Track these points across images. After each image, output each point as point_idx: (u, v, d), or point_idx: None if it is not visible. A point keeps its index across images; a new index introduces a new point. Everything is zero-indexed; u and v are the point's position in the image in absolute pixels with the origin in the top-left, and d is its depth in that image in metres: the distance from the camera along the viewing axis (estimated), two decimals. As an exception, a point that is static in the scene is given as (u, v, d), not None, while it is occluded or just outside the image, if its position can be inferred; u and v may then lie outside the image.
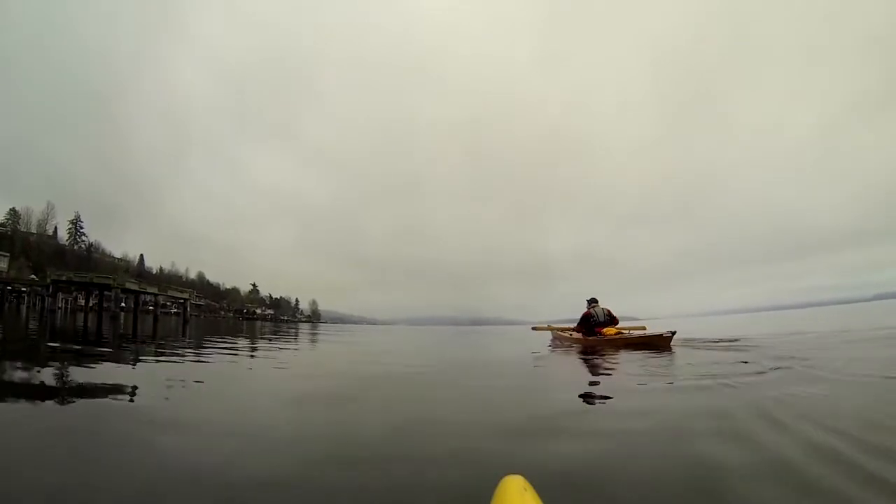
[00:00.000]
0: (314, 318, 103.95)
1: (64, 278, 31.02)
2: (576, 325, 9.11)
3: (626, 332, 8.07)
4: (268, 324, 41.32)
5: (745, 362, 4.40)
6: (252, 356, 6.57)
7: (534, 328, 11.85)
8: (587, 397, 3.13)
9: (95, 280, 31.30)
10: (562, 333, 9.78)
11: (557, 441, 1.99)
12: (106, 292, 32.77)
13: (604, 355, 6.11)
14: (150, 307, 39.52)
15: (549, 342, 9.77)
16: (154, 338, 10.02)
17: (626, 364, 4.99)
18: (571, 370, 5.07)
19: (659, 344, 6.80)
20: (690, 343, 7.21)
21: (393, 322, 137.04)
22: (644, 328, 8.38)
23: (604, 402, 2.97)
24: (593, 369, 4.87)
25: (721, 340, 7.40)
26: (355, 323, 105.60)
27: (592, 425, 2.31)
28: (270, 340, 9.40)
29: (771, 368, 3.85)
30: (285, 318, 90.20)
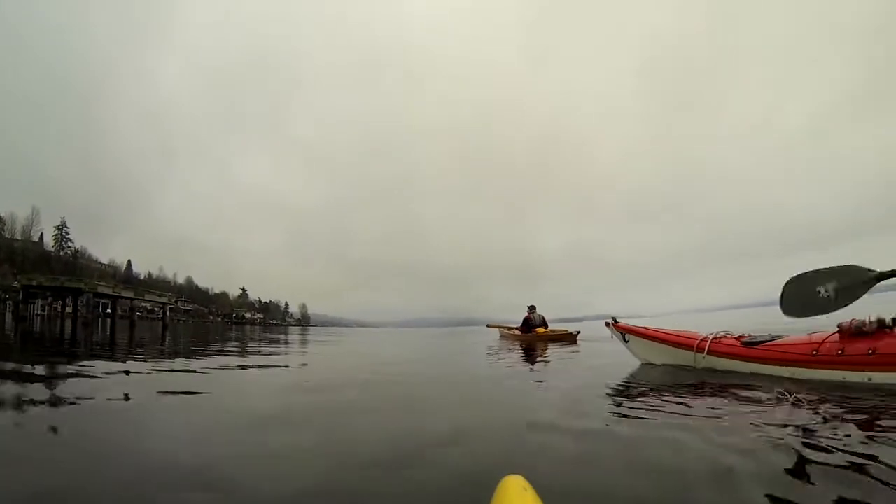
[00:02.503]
0: (304, 321, 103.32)
1: (34, 283, 30.37)
2: (519, 325, 11.94)
3: (551, 331, 10.79)
4: (257, 328, 40.66)
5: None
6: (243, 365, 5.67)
7: (488, 325, 15.76)
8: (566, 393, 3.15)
9: (66, 284, 30.65)
10: (507, 332, 12.60)
11: (556, 441, 1.95)
12: (80, 297, 32.13)
13: (537, 349, 7.92)
14: (130, 311, 38.81)
15: (499, 337, 12.68)
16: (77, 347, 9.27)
17: (555, 357, 6.08)
18: (530, 366, 5.58)
19: (569, 339, 9.60)
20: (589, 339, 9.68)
21: (383, 325, 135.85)
22: (565, 330, 10.59)
23: (591, 403, 2.99)
24: (539, 363, 5.59)
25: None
26: (346, 326, 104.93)
27: (588, 424, 2.27)
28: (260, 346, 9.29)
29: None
30: (275, 321, 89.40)
